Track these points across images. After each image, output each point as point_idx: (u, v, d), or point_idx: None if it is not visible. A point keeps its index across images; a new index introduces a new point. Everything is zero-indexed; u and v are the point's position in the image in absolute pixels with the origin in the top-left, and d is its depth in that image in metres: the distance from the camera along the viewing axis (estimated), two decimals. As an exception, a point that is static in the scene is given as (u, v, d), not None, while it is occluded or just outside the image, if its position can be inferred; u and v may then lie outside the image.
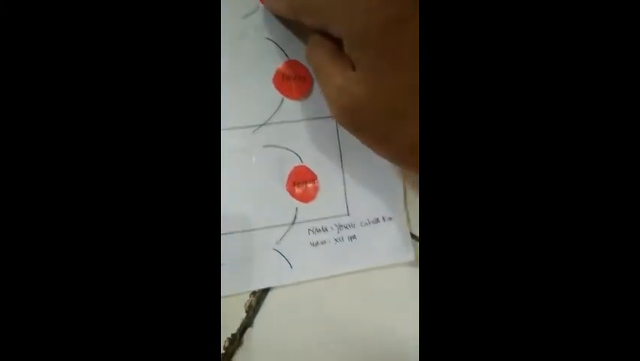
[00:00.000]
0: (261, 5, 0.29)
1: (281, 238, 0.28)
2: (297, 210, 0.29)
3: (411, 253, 0.29)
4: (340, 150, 0.29)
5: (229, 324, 0.27)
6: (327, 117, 0.29)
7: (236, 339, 0.27)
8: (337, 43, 0.23)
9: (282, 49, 0.29)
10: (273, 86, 0.29)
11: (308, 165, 0.29)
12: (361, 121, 0.24)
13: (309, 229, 0.29)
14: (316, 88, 0.29)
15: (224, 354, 0.27)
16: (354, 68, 0.23)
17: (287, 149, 0.29)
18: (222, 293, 0.27)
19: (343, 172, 0.29)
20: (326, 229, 0.29)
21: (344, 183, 0.29)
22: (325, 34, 0.24)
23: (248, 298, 0.28)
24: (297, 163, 0.29)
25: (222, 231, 0.28)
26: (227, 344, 0.27)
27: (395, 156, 0.24)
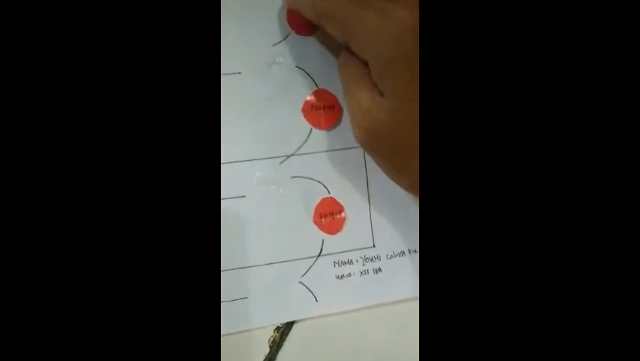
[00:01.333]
0: (291, 33, 0.29)
1: (307, 271, 0.28)
2: (323, 242, 0.28)
3: (437, 288, 0.29)
4: (367, 181, 0.29)
5: (252, 359, 0.27)
6: (354, 147, 0.29)
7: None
8: (364, 62, 0.23)
9: (311, 77, 0.29)
10: (302, 116, 0.28)
11: (335, 197, 0.29)
12: (382, 146, 0.24)
13: (334, 262, 0.29)
14: (345, 117, 0.29)
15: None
16: (380, 92, 0.22)
17: (314, 180, 0.29)
18: (246, 327, 0.27)
19: (370, 203, 0.29)
20: (351, 262, 0.29)
21: (370, 215, 0.29)
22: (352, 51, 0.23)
23: (272, 333, 0.27)
24: (325, 194, 0.29)
25: (247, 264, 0.28)
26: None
27: (409, 185, 0.24)
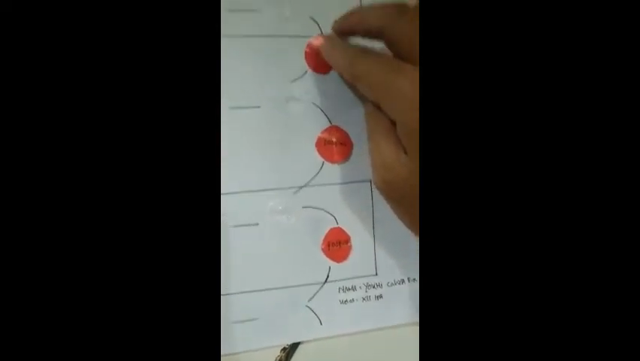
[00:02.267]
0: (309, 71, 0.30)
1: (313, 296, 0.30)
2: (329, 269, 0.30)
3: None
4: (373, 213, 0.31)
5: (261, 377, 0.29)
6: (362, 181, 0.31)
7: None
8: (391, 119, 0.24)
9: (325, 114, 0.31)
10: (315, 150, 0.30)
11: (343, 227, 0.31)
12: (401, 198, 0.25)
13: (339, 288, 0.31)
14: (355, 152, 0.31)
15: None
16: (405, 149, 0.23)
17: (324, 210, 0.30)
18: (255, 346, 0.29)
19: (374, 235, 0.31)
20: (355, 288, 0.31)
21: (374, 245, 0.31)
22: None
23: (279, 353, 0.29)
24: (333, 225, 0.30)
25: (258, 287, 0.29)
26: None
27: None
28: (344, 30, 0.28)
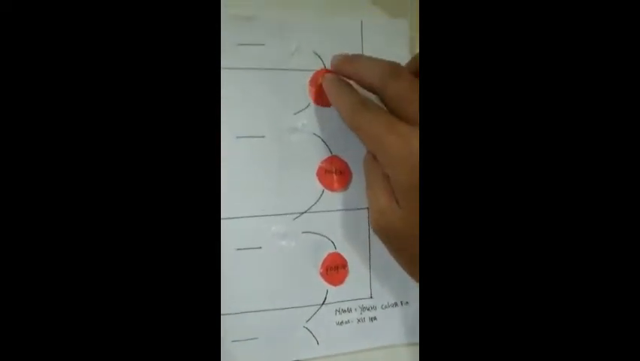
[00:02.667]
0: (312, 103, 0.32)
1: (311, 317, 0.32)
2: (327, 292, 0.32)
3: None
4: (369, 239, 0.33)
5: (260, 394, 0.30)
6: (360, 209, 0.33)
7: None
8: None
9: (326, 144, 0.32)
10: (315, 178, 0.32)
11: (340, 252, 0.32)
12: (393, 241, 0.27)
13: (336, 310, 0.32)
14: (353, 182, 0.33)
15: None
16: (397, 200, 0.25)
17: (323, 236, 0.32)
18: (255, 364, 0.30)
19: (370, 260, 0.33)
20: (351, 310, 0.32)
21: (370, 270, 0.33)
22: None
23: (278, 371, 0.31)
24: (331, 250, 0.32)
25: (259, 308, 0.31)
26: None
27: (412, 272, 0.27)
28: (341, 73, 0.29)
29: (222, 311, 0.30)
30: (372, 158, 0.27)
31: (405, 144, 0.23)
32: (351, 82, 0.29)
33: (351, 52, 0.33)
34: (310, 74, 0.32)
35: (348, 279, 0.32)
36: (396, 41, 0.33)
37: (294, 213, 0.32)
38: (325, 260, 0.32)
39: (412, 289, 0.33)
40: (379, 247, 0.32)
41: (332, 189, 0.32)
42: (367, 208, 0.33)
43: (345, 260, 0.32)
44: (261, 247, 0.31)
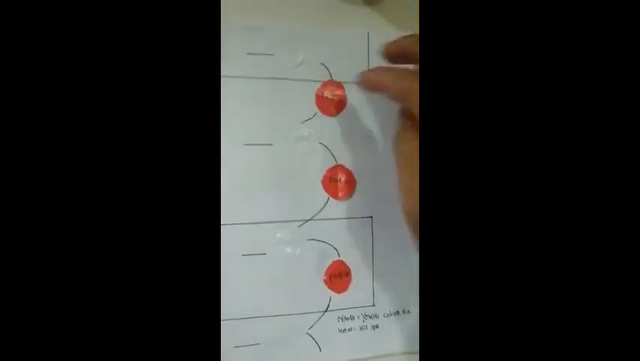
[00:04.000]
0: (318, 113, 0.33)
1: (314, 324, 0.32)
2: (330, 299, 0.32)
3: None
4: (373, 248, 0.33)
5: (262, 400, 0.30)
6: (364, 217, 0.33)
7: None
8: None
9: (332, 153, 0.33)
10: (321, 186, 0.32)
11: (344, 260, 0.33)
12: None
13: (338, 317, 0.32)
14: (357, 190, 0.33)
15: None
16: None
17: (327, 243, 0.32)
18: (258, 370, 0.31)
19: (373, 268, 0.33)
20: (353, 318, 0.33)
21: (373, 278, 0.33)
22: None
23: (281, 377, 0.31)
24: (335, 257, 0.33)
25: (262, 314, 0.31)
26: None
27: None
28: (368, 88, 0.29)
29: (226, 317, 0.30)
30: (405, 139, 0.26)
31: None
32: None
33: (357, 63, 0.33)
34: (317, 85, 0.33)
35: (351, 287, 0.33)
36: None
37: (299, 220, 0.32)
38: (329, 268, 0.32)
39: (414, 298, 0.34)
40: (382, 255, 0.32)
41: (337, 198, 0.33)
42: (371, 217, 0.33)
43: (349, 268, 0.33)
44: (265, 254, 0.31)
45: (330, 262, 0.32)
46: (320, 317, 0.32)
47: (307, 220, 0.32)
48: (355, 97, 0.33)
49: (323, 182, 0.32)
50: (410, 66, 0.28)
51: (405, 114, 0.27)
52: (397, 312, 0.34)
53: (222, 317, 0.30)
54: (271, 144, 0.32)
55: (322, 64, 0.33)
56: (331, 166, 0.33)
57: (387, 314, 0.33)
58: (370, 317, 0.33)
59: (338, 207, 0.33)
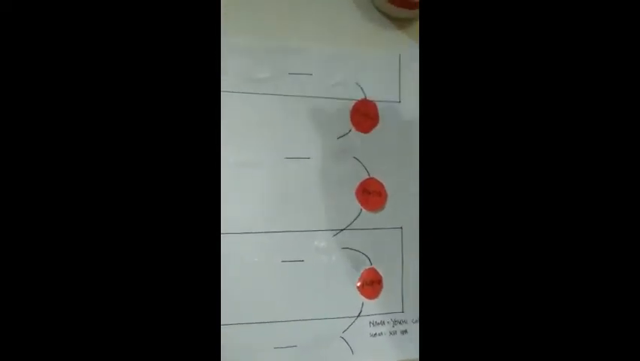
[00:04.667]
0: (353, 129, 0.35)
1: (347, 328, 0.34)
2: (362, 305, 0.34)
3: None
4: (402, 257, 0.35)
5: (299, 399, 0.32)
6: (395, 228, 0.35)
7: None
8: None
9: (365, 167, 0.35)
10: (355, 198, 0.35)
11: (376, 268, 0.35)
12: None
13: (370, 322, 0.34)
14: (389, 203, 0.35)
15: None
16: None
17: (360, 252, 0.34)
18: (294, 371, 0.33)
19: (403, 276, 0.35)
20: (384, 323, 0.35)
21: (402, 286, 0.35)
22: None
23: (316, 378, 0.33)
24: (368, 265, 0.35)
25: (299, 318, 0.33)
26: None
27: None
28: None
29: (266, 320, 0.32)
30: None
31: None
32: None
33: (389, 83, 0.36)
34: (352, 103, 0.35)
35: (382, 294, 0.35)
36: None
37: (334, 230, 0.34)
38: (362, 275, 0.34)
39: (441, 305, 0.36)
40: (412, 263, 0.34)
41: (369, 209, 0.35)
42: (401, 228, 0.35)
43: (380, 276, 0.35)
44: (303, 260, 0.33)
45: (362, 270, 0.34)
46: (353, 322, 0.34)
47: (342, 230, 0.34)
48: (387, 115, 0.36)
49: (356, 194, 0.35)
50: None
51: None
52: (425, 318, 0.35)
53: (263, 320, 0.32)
54: (309, 158, 0.34)
55: (357, 84, 0.36)
56: (364, 179, 0.35)
57: (416, 320, 0.35)
58: (400, 323, 0.35)
59: (370, 218, 0.35)
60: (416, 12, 0.36)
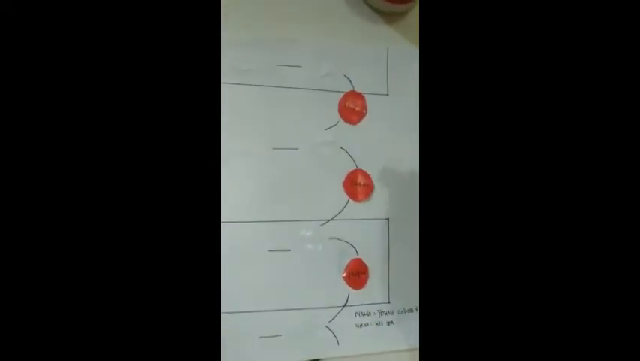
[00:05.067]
0: (340, 120, 0.35)
1: (333, 318, 0.34)
2: (348, 295, 0.34)
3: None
4: (389, 248, 0.35)
5: (284, 388, 0.32)
6: (381, 219, 0.36)
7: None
8: None
9: (352, 158, 0.35)
10: (342, 188, 0.35)
11: (362, 258, 0.35)
12: None
13: (356, 312, 0.34)
14: (375, 193, 0.36)
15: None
16: None
17: (347, 242, 0.35)
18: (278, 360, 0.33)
19: (389, 267, 0.35)
20: (369, 314, 0.35)
21: (388, 277, 0.35)
22: None
23: (301, 367, 0.33)
24: (354, 256, 0.35)
25: (285, 307, 0.33)
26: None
27: None
28: None
29: (252, 309, 0.32)
30: None
31: None
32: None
33: (377, 76, 0.36)
34: (340, 95, 0.36)
35: (368, 284, 0.35)
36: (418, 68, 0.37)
37: (321, 220, 0.34)
38: (348, 265, 0.34)
39: (427, 297, 0.36)
40: (398, 255, 0.35)
41: (356, 200, 0.35)
42: (388, 219, 0.36)
43: (366, 266, 0.35)
44: (290, 250, 0.33)
45: (349, 260, 0.34)
46: (339, 312, 0.34)
47: (329, 220, 0.34)
48: (375, 107, 0.36)
49: (344, 185, 0.35)
50: None
51: None
52: (411, 309, 0.36)
53: (249, 309, 0.32)
54: (297, 149, 0.34)
55: (345, 76, 0.36)
56: (352, 170, 0.35)
57: (402, 311, 0.35)
58: (386, 314, 0.35)
59: (357, 209, 0.35)
60: (405, 6, 0.37)
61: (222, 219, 0.32)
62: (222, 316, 0.32)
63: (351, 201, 0.35)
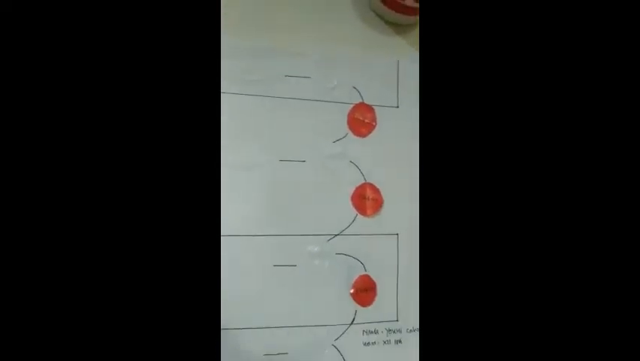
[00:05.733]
0: (349, 133, 0.35)
1: (340, 336, 0.33)
2: (356, 312, 0.33)
3: None
4: (398, 264, 0.34)
5: (288, 408, 0.31)
6: (390, 234, 0.35)
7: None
8: None
9: (361, 171, 0.35)
10: (350, 203, 0.34)
11: (370, 275, 0.34)
12: None
13: (363, 330, 0.33)
14: (385, 208, 0.35)
15: None
16: None
17: (355, 258, 0.34)
18: (284, 379, 0.32)
19: (398, 284, 0.34)
20: (377, 332, 0.34)
21: (397, 294, 0.34)
22: None
23: (307, 387, 0.32)
24: (362, 272, 0.34)
25: (291, 324, 0.32)
26: None
27: None
28: None
29: (256, 325, 0.31)
30: None
31: None
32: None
33: (387, 88, 0.35)
34: (349, 107, 0.35)
35: (376, 301, 0.34)
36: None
37: (329, 234, 0.33)
38: (356, 282, 0.33)
39: (437, 315, 0.35)
40: (407, 271, 0.34)
41: (365, 214, 0.34)
42: (397, 234, 0.35)
43: (374, 282, 0.34)
44: (296, 265, 0.33)
45: (356, 276, 0.34)
46: (345, 330, 0.33)
47: (336, 235, 0.34)
48: (385, 119, 0.35)
49: (352, 199, 0.34)
50: None
51: None
52: (420, 328, 0.34)
53: (253, 326, 0.31)
54: (304, 161, 0.34)
55: (355, 88, 0.35)
56: (360, 184, 0.34)
57: (410, 330, 0.34)
58: (394, 332, 0.34)
59: (366, 224, 0.34)
60: (415, 18, 0.36)
61: (227, 232, 0.31)
62: (225, 332, 0.31)
63: (359, 215, 0.34)
